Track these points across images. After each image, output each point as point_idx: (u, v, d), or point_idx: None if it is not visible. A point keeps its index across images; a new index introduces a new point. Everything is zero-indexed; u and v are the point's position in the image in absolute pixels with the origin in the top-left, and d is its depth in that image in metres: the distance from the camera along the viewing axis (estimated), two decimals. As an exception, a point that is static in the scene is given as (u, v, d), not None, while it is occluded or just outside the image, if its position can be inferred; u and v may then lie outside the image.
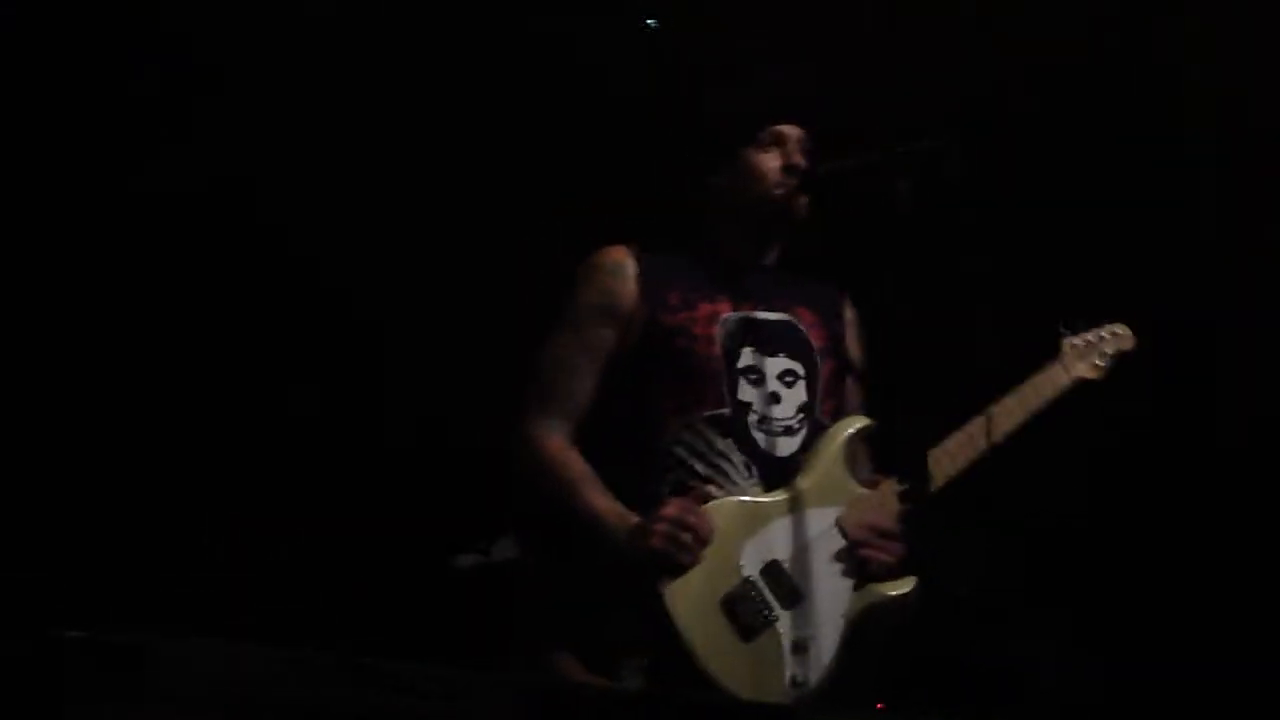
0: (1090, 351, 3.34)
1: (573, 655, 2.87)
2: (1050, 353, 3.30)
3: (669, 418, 2.99)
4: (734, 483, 2.96)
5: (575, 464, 2.99)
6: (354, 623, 3.55)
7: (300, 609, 3.52)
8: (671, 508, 2.84)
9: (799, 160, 3.13)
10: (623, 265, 3.10)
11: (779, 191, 3.12)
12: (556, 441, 3.01)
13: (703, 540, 2.83)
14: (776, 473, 2.99)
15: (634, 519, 2.88)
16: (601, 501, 2.93)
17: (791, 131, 3.16)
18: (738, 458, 2.98)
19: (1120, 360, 3.36)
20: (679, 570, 2.81)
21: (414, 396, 3.98)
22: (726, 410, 3.00)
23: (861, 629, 2.95)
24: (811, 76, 3.27)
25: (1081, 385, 3.29)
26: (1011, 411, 3.17)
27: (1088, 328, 3.36)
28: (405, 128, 4.06)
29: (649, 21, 4.10)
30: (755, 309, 3.12)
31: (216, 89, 3.85)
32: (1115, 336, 3.38)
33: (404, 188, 4.07)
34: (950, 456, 3.07)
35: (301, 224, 3.96)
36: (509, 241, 4.05)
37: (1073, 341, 3.33)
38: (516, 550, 3.12)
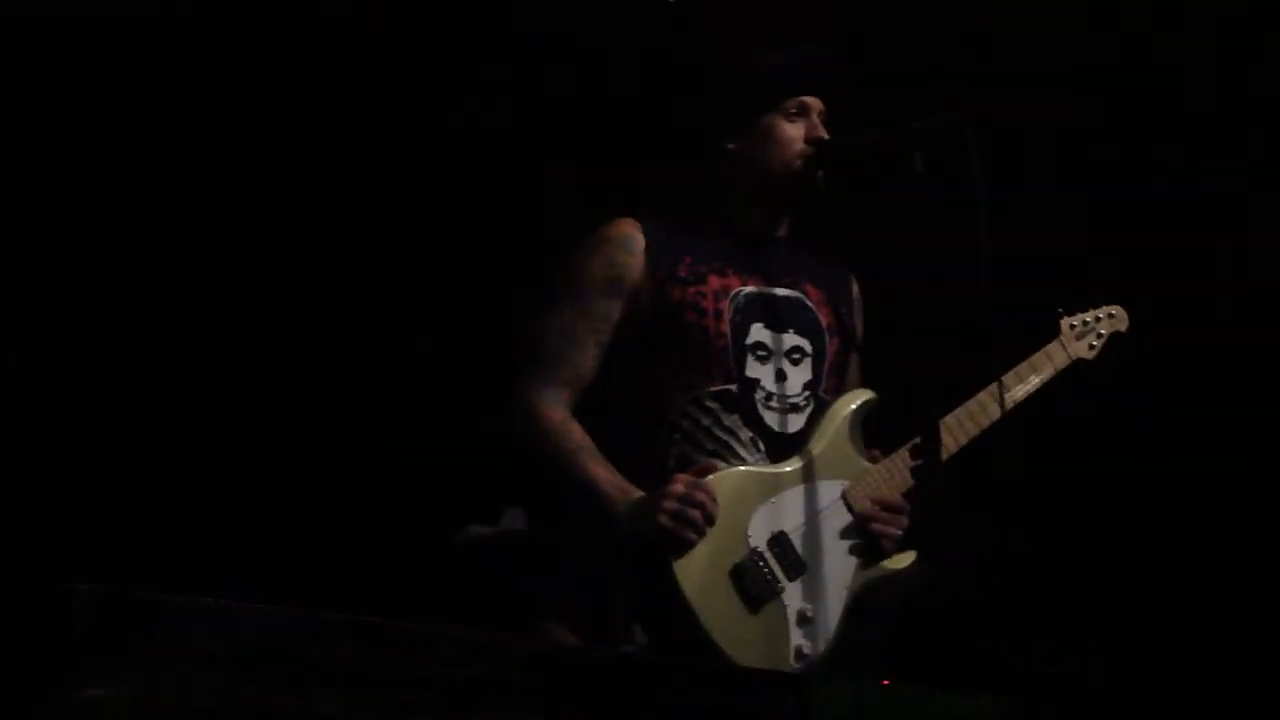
0: (1087, 332, 3.36)
1: (567, 627, 2.87)
2: (1048, 332, 3.31)
3: (675, 392, 2.99)
4: (741, 459, 2.96)
5: (575, 434, 2.94)
6: (362, 591, 3.54)
7: (310, 576, 3.50)
8: (679, 485, 2.82)
9: (822, 132, 3.13)
10: (631, 238, 3.07)
11: (800, 161, 3.11)
12: (557, 411, 2.96)
13: (711, 518, 2.81)
14: (783, 449, 3.00)
15: (636, 493, 2.86)
16: (601, 473, 2.89)
17: (815, 103, 3.16)
18: (745, 434, 2.98)
19: (1115, 342, 3.38)
20: (686, 547, 2.80)
21: (425, 365, 3.95)
22: (734, 386, 3.00)
23: (864, 602, 2.97)
24: (830, 52, 3.25)
25: (1078, 366, 3.31)
26: (1012, 388, 3.19)
27: (1084, 308, 3.38)
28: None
29: None
30: (765, 284, 3.12)
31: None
32: (1111, 318, 3.41)
33: (397, 162, 4.03)
34: (960, 426, 3.09)
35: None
36: (511, 207, 4.02)
37: (1070, 321, 3.35)
38: (525, 521, 3.10)
